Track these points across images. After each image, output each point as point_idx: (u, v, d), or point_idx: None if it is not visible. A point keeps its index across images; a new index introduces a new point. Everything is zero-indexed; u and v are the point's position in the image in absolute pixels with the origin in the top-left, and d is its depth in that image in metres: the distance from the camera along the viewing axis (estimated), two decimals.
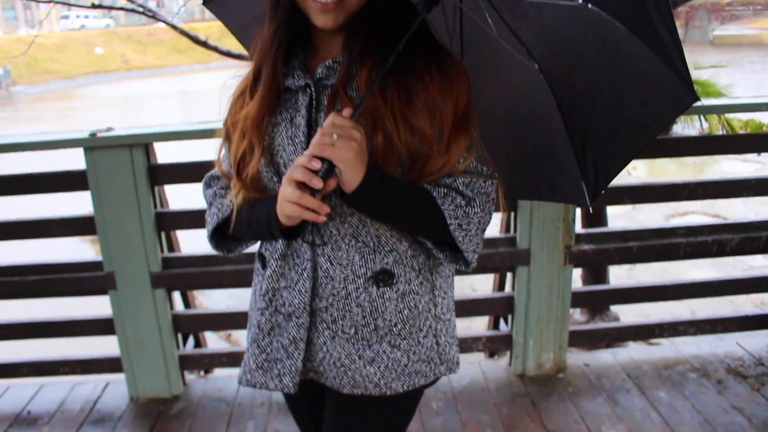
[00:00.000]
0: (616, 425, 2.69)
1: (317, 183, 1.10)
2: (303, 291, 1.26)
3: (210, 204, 1.42)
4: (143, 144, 2.66)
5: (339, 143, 1.10)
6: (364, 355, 1.29)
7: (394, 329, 1.29)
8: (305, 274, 1.26)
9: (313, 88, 1.23)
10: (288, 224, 1.20)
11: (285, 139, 1.25)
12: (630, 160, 1.33)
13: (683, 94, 1.20)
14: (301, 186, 1.12)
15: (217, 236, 1.42)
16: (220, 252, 1.44)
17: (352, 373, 1.30)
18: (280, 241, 1.28)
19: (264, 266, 1.35)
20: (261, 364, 1.32)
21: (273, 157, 1.26)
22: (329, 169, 1.12)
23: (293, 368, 1.29)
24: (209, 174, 1.46)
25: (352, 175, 1.13)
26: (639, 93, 1.27)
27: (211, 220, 1.39)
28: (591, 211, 1.30)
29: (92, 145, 2.63)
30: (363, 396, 1.33)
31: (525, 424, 2.72)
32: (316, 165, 1.11)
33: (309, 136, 1.22)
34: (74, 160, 2.79)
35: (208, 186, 1.45)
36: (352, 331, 1.27)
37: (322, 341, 1.29)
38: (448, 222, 1.23)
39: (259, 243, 1.42)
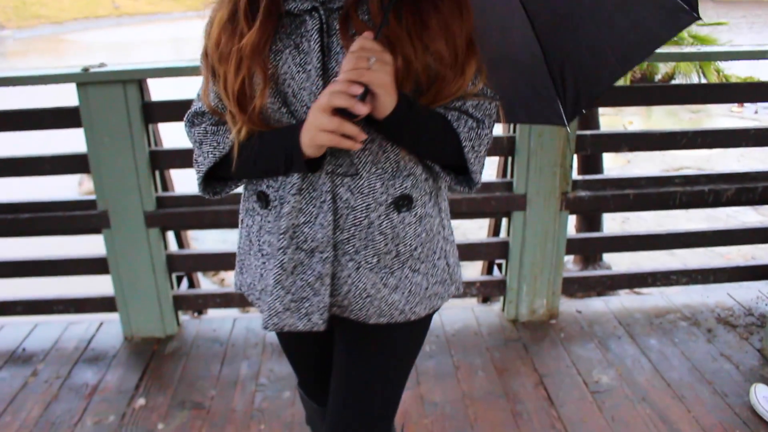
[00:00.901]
0: (606, 370, 2.73)
1: (362, 109, 1.06)
2: (325, 224, 1.22)
3: (200, 143, 1.33)
4: (137, 80, 2.61)
5: (376, 67, 1.06)
6: (388, 283, 1.28)
7: (414, 254, 1.29)
8: (325, 207, 1.22)
9: (322, 11, 1.17)
10: (314, 155, 1.15)
11: (293, 66, 1.19)
12: (618, 78, 1.30)
13: (681, 12, 1.17)
14: (338, 113, 1.07)
15: (207, 178, 1.36)
16: (206, 195, 1.37)
17: (378, 303, 1.29)
18: (295, 175, 1.22)
19: (266, 205, 1.29)
20: (288, 305, 1.27)
21: (279, 86, 1.20)
22: (364, 95, 1.08)
23: (321, 305, 1.26)
24: (192, 111, 1.36)
25: (387, 100, 1.10)
26: (630, 15, 1.23)
27: (205, 160, 1.32)
28: (568, 130, 1.29)
29: (85, 80, 2.58)
30: (383, 325, 1.33)
31: (517, 368, 2.75)
32: (358, 90, 1.06)
33: (323, 62, 1.17)
34: (67, 96, 2.75)
35: (192, 124, 1.36)
36: (375, 260, 1.26)
37: (346, 274, 1.26)
38: (463, 144, 1.23)
39: (250, 183, 1.35)
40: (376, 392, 1.43)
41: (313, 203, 1.23)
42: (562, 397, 2.56)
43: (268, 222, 1.29)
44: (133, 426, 2.45)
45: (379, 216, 1.23)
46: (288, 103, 1.21)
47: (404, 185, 1.24)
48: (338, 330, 1.43)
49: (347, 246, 1.25)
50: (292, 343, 1.57)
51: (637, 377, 2.67)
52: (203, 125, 1.33)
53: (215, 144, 1.31)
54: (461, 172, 1.29)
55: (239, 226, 1.41)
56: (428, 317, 1.41)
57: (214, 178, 1.37)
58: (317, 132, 1.10)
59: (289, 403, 2.54)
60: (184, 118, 1.38)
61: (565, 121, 1.29)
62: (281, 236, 1.24)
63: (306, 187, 1.23)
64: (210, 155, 1.31)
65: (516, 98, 1.36)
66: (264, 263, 1.33)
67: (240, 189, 1.41)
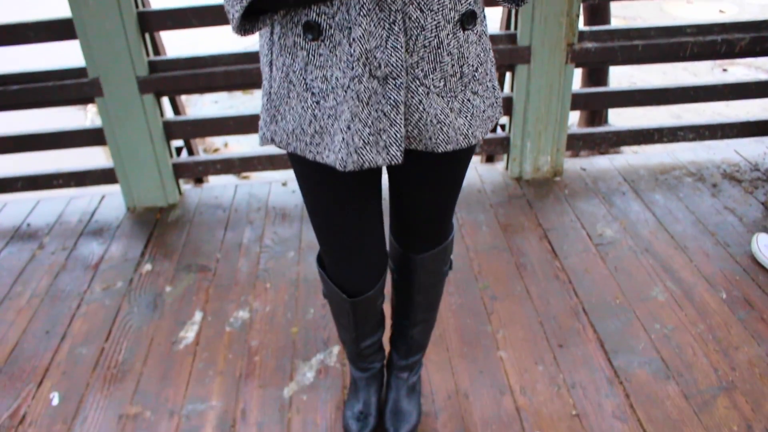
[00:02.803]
0: (610, 224, 2.72)
1: None
2: (398, 47, 1.13)
3: None
4: None
5: None
6: (453, 107, 1.24)
7: (476, 75, 1.26)
8: (396, 28, 1.12)
9: None
10: None
11: None
12: None
13: None
14: None
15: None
16: (241, 32, 1.18)
17: (446, 129, 1.24)
18: None
19: (317, 36, 1.16)
20: (367, 139, 1.18)
21: None
22: None
23: (398, 135, 1.19)
24: None
25: None
26: None
27: None
28: None
29: None
30: (443, 153, 1.32)
31: (521, 223, 2.74)
32: None
33: None
34: None
35: None
36: (442, 83, 1.20)
37: (417, 100, 1.20)
38: None
39: (291, 14, 1.19)
40: (440, 216, 1.52)
41: (381, 25, 1.12)
42: (566, 250, 2.56)
43: (320, 55, 1.17)
44: (141, 290, 2.48)
45: (447, 35, 1.17)
46: None
47: (469, 0, 1.18)
48: (399, 166, 1.38)
49: (417, 70, 1.17)
50: (334, 194, 1.41)
51: (641, 230, 2.67)
52: None
53: None
54: None
55: (268, 70, 1.29)
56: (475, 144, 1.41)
57: (251, 12, 1.20)
58: None
59: (294, 263, 2.56)
60: None
61: None
62: (354, 63, 1.14)
63: (372, 8, 1.11)
64: None
65: None
66: (317, 102, 1.21)
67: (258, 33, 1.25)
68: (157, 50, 2.88)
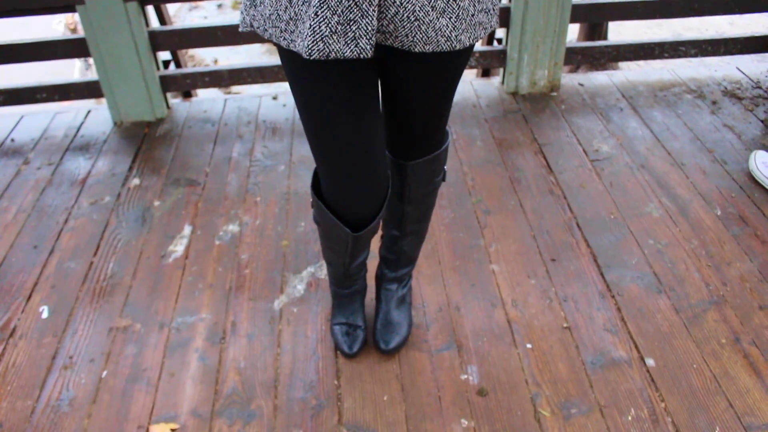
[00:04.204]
0: (607, 140, 2.67)
1: None
2: None
3: None
4: None
5: None
6: (436, 5, 1.16)
7: None
8: None
9: None
10: None
11: None
12: None
13: None
14: None
15: None
16: None
17: (425, 27, 1.17)
18: None
19: None
20: (334, 28, 1.13)
21: None
22: None
23: (369, 27, 1.14)
24: None
25: None
26: None
27: None
28: None
29: None
30: (428, 54, 1.24)
31: (516, 138, 2.69)
32: None
33: None
34: None
35: None
36: None
37: None
38: None
39: None
40: (433, 121, 1.48)
41: None
42: (561, 165, 2.52)
43: None
44: (129, 204, 2.44)
45: None
46: None
47: None
48: (387, 62, 1.33)
49: None
50: (339, 77, 1.32)
51: (638, 146, 2.63)
52: None
53: None
54: None
55: None
56: (468, 50, 1.33)
57: None
58: None
59: (284, 176, 2.51)
60: None
61: None
62: None
63: None
64: None
65: None
66: None
67: None
68: None
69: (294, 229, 2.25)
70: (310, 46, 1.14)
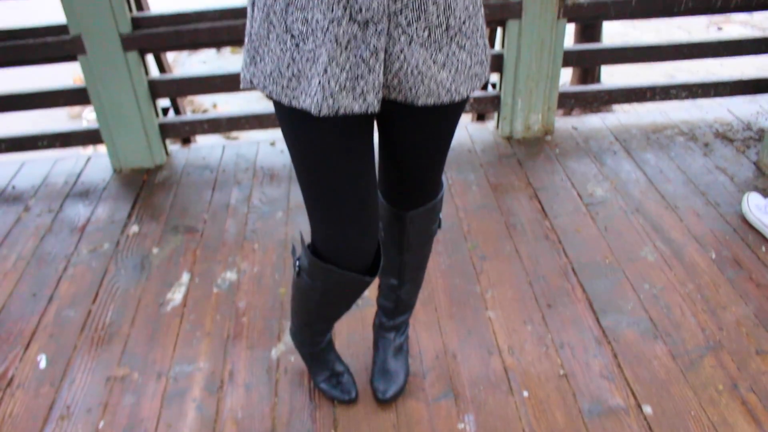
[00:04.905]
0: (601, 183, 2.70)
1: None
2: None
3: None
4: None
5: None
6: (437, 59, 1.21)
7: (463, 28, 1.22)
8: None
9: None
10: None
11: None
12: None
13: None
14: None
15: None
16: None
17: (428, 81, 1.21)
18: None
19: None
20: (343, 84, 1.16)
21: None
22: None
23: (376, 83, 1.17)
24: None
25: None
26: None
27: None
28: None
29: None
30: (428, 108, 1.29)
31: (511, 182, 2.72)
32: None
33: None
34: None
35: None
36: (426, 33, 1.17)
37: (398, 49, 1.17)
38: None
39: None
40: (430, 171, 1.50)
41: None
42: (556, 209, 2.55)
43: None
44: (128, 251, 2.45)
45: None
46: None
47: None
48: (384, 118, 1.36)
49: (400, 17, 1.14)
50: (337, 136, 1.33)
51: (632, 189, 2.66)
52: None
53: None
54: None
55: (250, 10, 1.27)
56: (464, 101, 1.37)
57: None
58: None
59: (282, 223, 2.54)
60: None
61: None
62: (334, 6, 1.11)
63: None
64: None
65: None
66: (297, 45, 1.19)
67: None
68: (140, 6, 2.81)
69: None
70: (320, 103, 1.17)
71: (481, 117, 3.43)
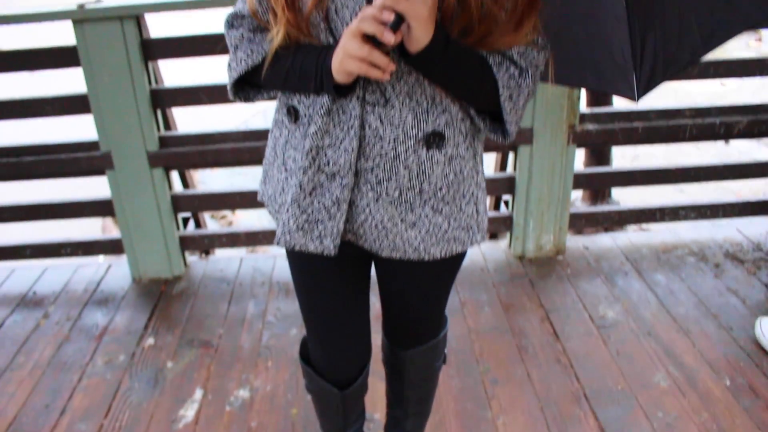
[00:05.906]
0: (612, 305, 2.72)
1: (389, 37, 1.01)
2: (349, 150, 1.18)
3: (235, 48, 1.28)
4: (134, 16, 2.55)
5: None
6: (406, 218, 1.26)
7: (439, 194, 1.26)
8: (352, 132, 1.18)
9: None
10: (344, 81, 1.11)
11: None
12: (699, 59, 1.20)
13: None
14: (368, 40, 1.03)
15: (239, 83, 1.32)
16: (237, 99, 1.34)
17: (392, 237, 1.26)
18: (326, 96, 1.18)
19: (295, 120, 1.26)
20: (302, 225, 1.25)
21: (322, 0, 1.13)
22: (397, 24, 1.02)
23: (334, 230, 1.24)
24: (232, 12, 1.30)
25: (421, 34, 1.04)
26: None
27: (238, 66, 1.27)
28: (636, 102, 1.19)
29: (81, 17, 2.52)
30: (411, 260, 1.32)
31: (523, 303, 2.75)
32: (389, 17, 1.01)
33: None
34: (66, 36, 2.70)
35: (231, 26, 1.30)
36: (396, 193, 1.23)
37: (365, 203, 1.23)
38: (500, 92, 1.16)
39: (283, 95, 1.31)
40: (426, 316, 1.57)
41: (340, 127, 1.19)
42: (568, 332, 2.56)
43: (295, 137, 1.26)
44: (142, 365, 2.48)
45: (407, 150, 1.20)
46: (329, 20, 1.14)
47: (438, 122, 1.20)
48: (377, 261, 1.45)
49: (369, 175, 1.21)
50: (326, 267, 1.43)
51: (643, 312, 2.67)
52: (241, 30, 1.28)
53: (249, 52, 1.25)
54: (497, 119, 1.23)
55: (269, 135, 1.38)
56: (453, 259, 1.39)
57: (248, 84, 1.33)
58: (346, 57, 1.06)
59: (296, 340, 2.56)
60: (224, 19, 1.32)
61: (636, 96, 1.19)
62: (305, 155, 1.21)
63: (335, 110, 1.18)
64: (243, 62, 1.26)
65: (587, 61, 1.25)
66: (286, 178, 1.29)
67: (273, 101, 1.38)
68: (168, 125, 2.96)
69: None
70: (279, 236, 1.27)
71: (494, 236, 3.50)
